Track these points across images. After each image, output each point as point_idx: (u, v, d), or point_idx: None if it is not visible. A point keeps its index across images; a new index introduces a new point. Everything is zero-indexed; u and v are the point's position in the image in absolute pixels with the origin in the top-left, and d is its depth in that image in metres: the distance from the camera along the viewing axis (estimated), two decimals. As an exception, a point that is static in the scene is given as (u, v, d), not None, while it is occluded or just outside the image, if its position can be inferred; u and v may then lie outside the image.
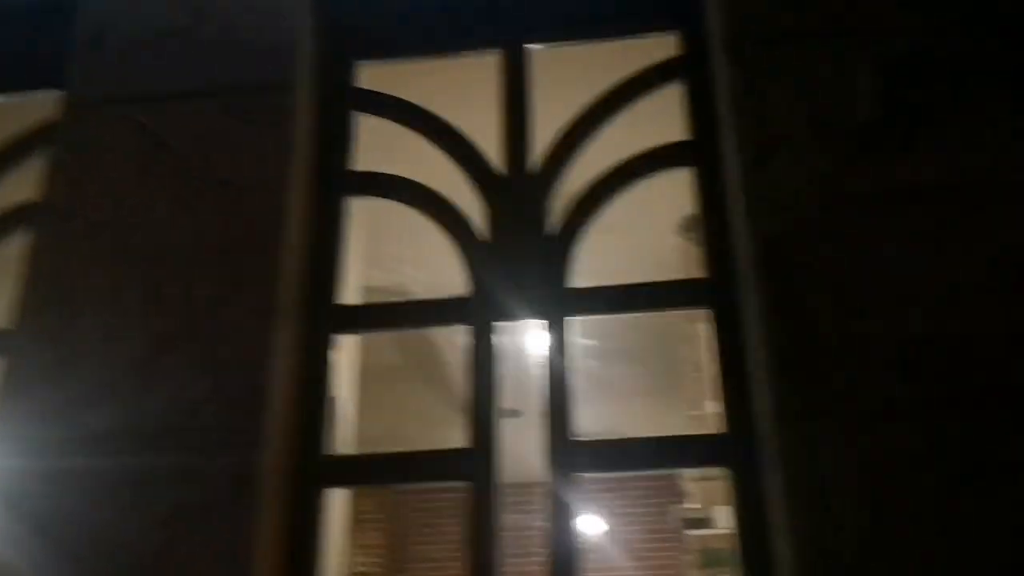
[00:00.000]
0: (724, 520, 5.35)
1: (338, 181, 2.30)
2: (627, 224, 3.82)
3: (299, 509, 1.93)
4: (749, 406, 1.92)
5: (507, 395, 2.10)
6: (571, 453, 1.95)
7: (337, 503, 2.58)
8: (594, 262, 2.63)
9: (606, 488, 8.60)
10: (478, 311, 2.13)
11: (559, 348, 2.06)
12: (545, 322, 2.11)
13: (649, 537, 8.65)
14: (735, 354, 1.99)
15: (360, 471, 2.07)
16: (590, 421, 2.81)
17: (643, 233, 3.89)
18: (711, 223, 2.16)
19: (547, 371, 2.04)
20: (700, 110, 2.28)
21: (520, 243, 2.20)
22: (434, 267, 2.33)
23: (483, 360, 2.06)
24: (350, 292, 2.56)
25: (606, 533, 8.72)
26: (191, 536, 1.77)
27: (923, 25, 2.02)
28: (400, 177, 2.33)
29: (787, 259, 1.88)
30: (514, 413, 1.99)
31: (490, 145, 2.34)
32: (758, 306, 1.86)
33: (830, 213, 1.91)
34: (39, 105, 2.45)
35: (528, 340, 4.78)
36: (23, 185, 2.36)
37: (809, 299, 1.83)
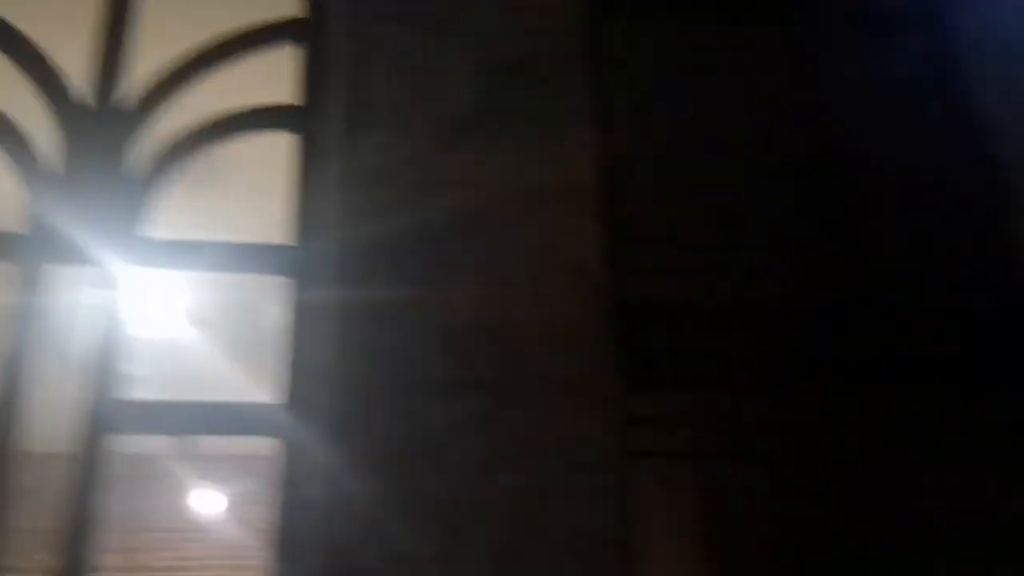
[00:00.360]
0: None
1: None
2: (253, 184, 3.67)
3: None
4: (312, 378, 1.89)
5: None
6: (111, 413, 1.80)
7: None
8: (210, 218, 2.48)
9: (230, 464, 8.29)
10: (31, 250, 1.90)
11: (114, 300, 1.89)
12: (107, 270, 1.93)
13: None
14: (308, 324, 1.95)
15: None
16: (164, 385, 2.65)
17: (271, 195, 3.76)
18: (308, 191, 2.11)
19: (99, 324, 1.87)
20: (313, 76, 2.22)
21: (96, 182, 2.00)
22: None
23: (25, 304, 1.84)
24: None
25: (227, 510, 8.41)
26: None
27: (523, 32, 2.11)
28: (-43, 88, 2.03)
29: (371, 236, 1.88)
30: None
31: (82, 73, 2.12)
32: (334, 277, 1.84)
33: (421, 195, 1.94)
34: None
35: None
36: None
37: (385, 276, 1.85)
